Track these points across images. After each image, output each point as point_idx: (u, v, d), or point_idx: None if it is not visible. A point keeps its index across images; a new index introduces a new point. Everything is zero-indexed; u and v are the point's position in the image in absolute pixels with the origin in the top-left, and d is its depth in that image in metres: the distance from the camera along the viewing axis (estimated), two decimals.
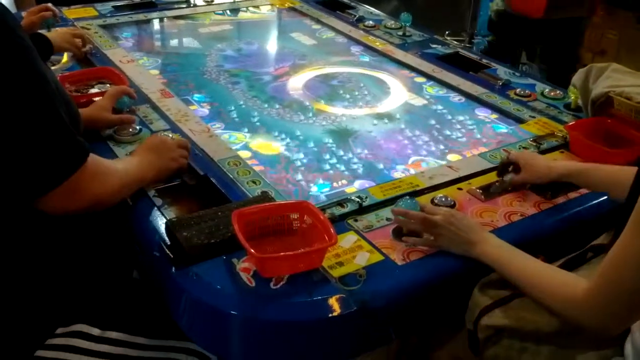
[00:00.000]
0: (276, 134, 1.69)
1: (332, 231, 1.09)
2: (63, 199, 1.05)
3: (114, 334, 1.18)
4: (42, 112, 1.03)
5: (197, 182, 1.38)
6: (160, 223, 1.22)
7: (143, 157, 1.31)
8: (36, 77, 1.03)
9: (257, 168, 1.47)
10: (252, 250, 1.02)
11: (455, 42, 4.55)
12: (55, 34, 1.96)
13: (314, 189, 1.44)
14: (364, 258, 1.15)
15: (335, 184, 1.46)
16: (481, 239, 1.14)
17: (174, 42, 2.37)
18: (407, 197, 1.26)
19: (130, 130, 1.55)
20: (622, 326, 0.98)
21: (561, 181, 1.33)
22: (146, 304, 1.26)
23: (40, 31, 2.11)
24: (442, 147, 1.66)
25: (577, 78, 1.71)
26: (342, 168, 1.54)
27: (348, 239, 1.20)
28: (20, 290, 1.13)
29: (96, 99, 1.60)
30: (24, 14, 2.18)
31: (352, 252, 1.16)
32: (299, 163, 1.55)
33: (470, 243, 1.14)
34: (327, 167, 1.54)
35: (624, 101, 1.56)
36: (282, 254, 1.07)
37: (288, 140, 1.66)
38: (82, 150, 1.08)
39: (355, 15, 2.56)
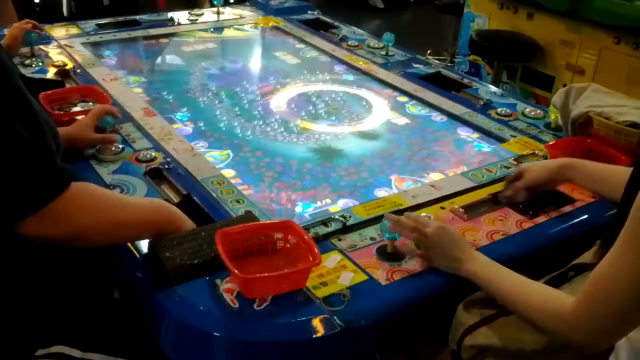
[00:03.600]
0: (260, 152, 1.69)
1: (316, 251, 1.09)
2: (40, 226, 1.01)
3: (95, 356, 1.16)
4: (21, 132, 1.01)
5: (180, 201, 1.38)
6: (143, 243, 1.21)
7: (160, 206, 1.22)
8: (17, 98, 1.02)
9: (240, 187, 1.46)
10: (236, 271, 1.02)
11: (437, 62, 4.63)
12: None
13: (298, 208, 1.44)
14: (347, 278, 1.15)
15: (319, 203, 1.47)
16: (469, 257, 1.14)
17: (157, 60, 2.37)
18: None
19: (113, 149, 1.54)
20: (609, 342, 0.98)
21: (560, 175, 1.35)
22: (127, 325, 1.24)
23: (23, 49, 2.12)
24: (424, 166, 1.67)
25: (557, 98, 1.74)
26: (326, 187, 1.54)
27: (332, 259, 1.20)
28: (0, 311, 1.11)
29: (79, 117, 1.60)
30: (6, 31, 2.17)
31: (336, 272, 1.16)
32: (283, 182, 1.55)
33: (458, 260, 1.14)
34: (311, 186, 1.54)
35: (603, 121, 1.58)
36: (265, 274, 1.07)
37: (272, 158, 1.66)
38: (63, 178, 1.04)
39: (338, 35, 2.58)
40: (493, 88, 2.16)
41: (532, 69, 3.58)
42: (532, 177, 1.36)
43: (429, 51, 4.70)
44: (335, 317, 1.05)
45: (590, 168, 1.31)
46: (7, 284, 1.12)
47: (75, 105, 1.74)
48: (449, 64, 4.40)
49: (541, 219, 1.37)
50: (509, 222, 1.35)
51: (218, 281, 1.10)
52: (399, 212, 1.35)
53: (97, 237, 1.11)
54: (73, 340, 1.17)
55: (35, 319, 1.16)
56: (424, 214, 1.34)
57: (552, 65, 3.47)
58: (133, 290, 1.22)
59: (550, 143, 1.65)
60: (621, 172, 1.20)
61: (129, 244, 1.22)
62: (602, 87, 1.71)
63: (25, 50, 2.13)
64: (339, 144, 1.77)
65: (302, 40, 2.57)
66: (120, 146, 1.56)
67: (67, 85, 1.95)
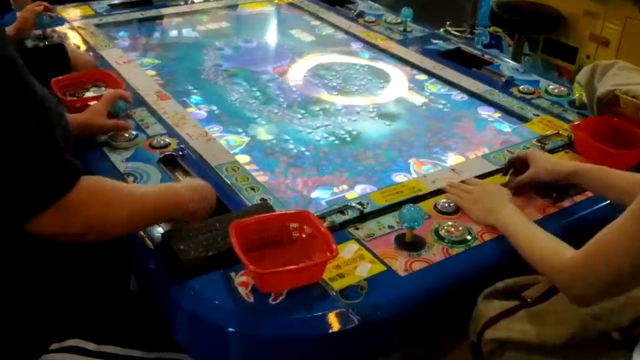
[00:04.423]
0: (275, 136, 1.66)
1: (333, 244, 1.06)
2: (51, 223, 0.98)
3: (109, 348, 1.16)
4: (29, 128, 0.99)
5: None
6: (156, 234, 1.19)
7: (185, 197, 1.17)
8: (23, 91, 0.99)
9: (255, 174, 1.43)
10: (251, 266, 1.00)
11: (456, 33, 4.53)
12: (80, 58, 1.87)
13: (314, 195, 1.41)
14: (365, 269, 1.12)
15: (335, 189, 1.43)
16: (501, 207, 1.21)
17: (171, 41, 2.32)
18: (410, 204, 1.23)
19: (127, 135, 1.52)
20: (598, 299, 1.00)
21: (567, 181, 1.30)
22: (142, 316, 1.23)
23: (36, 32, 2.09)
24: (444, 148, 1.63)
25: (582, 75, 1.68)
26: (343, 172, 1.50)
27: (349, 249, 1.17)
28: (13, 305, 1.11)
29: (91, 103, 1.57)
30: (18, 13, 2.14)
31: (353, 263, 1.13)
32: (298, 167, 1.52)
33: (491, 210, 1.22)
34: (328, 171, 1.51)
35: (630, 100, 1.52)
36: (281, 269, 1.04)
37: (287, 143, 1.62)
38: (73, 172, 1.01)
39: (354, 10, 2.51)
40: (515, 64, 2.10)
41: (554, 40, 3.48)
42: (536, 176, 1.31)
43: (448, 22, 4.59)
44: (352, 311, 1.03)
45: (601, 175, 1.23)
46: (21, 278, 1.12)
47: (87, 90, 1.72)
48: (469, 36, 4.29)
49: (566, 203, 1.33)
50: (532, 208, 1.30)
51: (233, 274, 1.08)
52: (418, 199, 1.33)
53: (109, 230, 1.08)
54: (88, 333, 1.16)
55: (49, 312, 1.15)
56: (443, 201, 1.30)
57: (575, 36, 3.37)
58: (147, 283, 1.21)
59: (575, 123, 1.59)
60: (634, 179, 1.15)
61: (143, 236, 1.20)
62: (630, 64, 1.64)
63: (37, 32, 2.11)
64: (356, 125, 1.72)
65: (317, 17, 2.51)
66: (134, 133, 1.53)
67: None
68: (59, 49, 1.82)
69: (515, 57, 3.54)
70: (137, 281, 1.34)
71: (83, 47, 2.06)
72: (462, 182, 1.37)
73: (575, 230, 1.27)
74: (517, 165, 1.36)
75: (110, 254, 1.31)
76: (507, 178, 1.37)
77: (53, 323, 1.14)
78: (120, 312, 1.23)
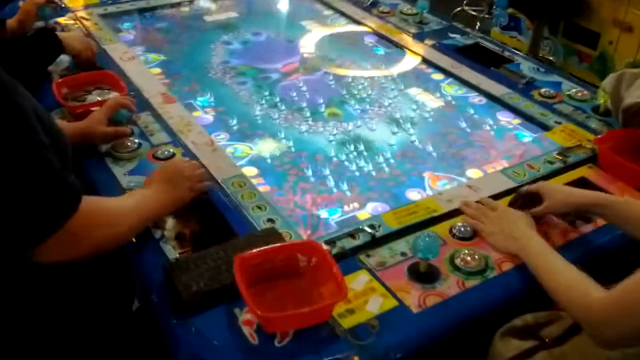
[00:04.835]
0: (284, 145, 1.59)
1: (344, 285, 1.00)
2: (59, 249, 0.97)
3: None
4: (23, 156, 0.94)
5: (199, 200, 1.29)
6: (158, 258, 1.14)
7: (159, 190, 1.21)
8: (12, 114, 0.93)
9: (262, 188, 1.38)
10: (259, 312, 0.94)
11: (474, 13, 4.39)
12: (67, 34, 1.83)
13: (323, 215, 1.34)
14: (376, 304, 1.06)
15: (346, 207, 1.37)
16: (524, 235, 1.16)
17: (177, 34, 2.21)
18: (426, 233, 1.16)
19: (129, 144, 1.46)
20: (625, 344, 0.96)
21: (585, 212, 1.25)
22: (144, 341, 1.19)
23: (38, 23, 2.02)
24: (461, 160, 1.55)
25: (608, 82, 1.59)
26: (354, 187, 1.44)
27: (360, 279, 1.12)
28: (9, 336, 1.06)
29: (93, 109, 1.51)
30: (21, 3, 2.07)
31: (363, 296, 1.08)
32: (308, 182, 1.45)
33: (514, 238, 1.17)
34: (338, 187, 1.44)
35: None
36: (288, 313, 0.99)
37: (297, 152, 1.56)
38: (74, 194, 0.98)
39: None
40: (535, 63, 1.99)
41: (575, 24, 3.35)
42: (551, 208, 1.24)
43: (465, 1, 4.46)
44: (362, 353, 0.97)
45: (622, 209, 1.16)
46: (16, 304, 1.07)
47: (90, 92, 1.66)
48: (486, 16, 4.17)
49: (588, 227, 1.26)
50: (554, 232, 1.24)
51: (237, 311, 1.03)
52: (433, 220, 1.26)
53: (113, 247, 1.10)
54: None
55: (46, 339, 1.11)
56: (459, 224, 1.24)
57: (598, 21, 3.24)
58: (150, 312, 1.16)
59: (600, 136, 1.51)
60: None
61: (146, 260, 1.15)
62: None
63: (40, 25, 2.04)
64: (369, 133, 1.65)
65: (330, 7, 2.41)
66: (137, 141, 1.47)
67: None
68: (46, 32, 1.75)
69: (535, 42, 3.43)
70: (140, 303, 1.29)
71: None
72: (478, 202, 1.30)
73: (597, 258, 1.21)
74: (526, 198, 1.28)
75: (112, 274, 1.27)
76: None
77: (54, 349, 1.10)
78: (120, 336, 1.19)
